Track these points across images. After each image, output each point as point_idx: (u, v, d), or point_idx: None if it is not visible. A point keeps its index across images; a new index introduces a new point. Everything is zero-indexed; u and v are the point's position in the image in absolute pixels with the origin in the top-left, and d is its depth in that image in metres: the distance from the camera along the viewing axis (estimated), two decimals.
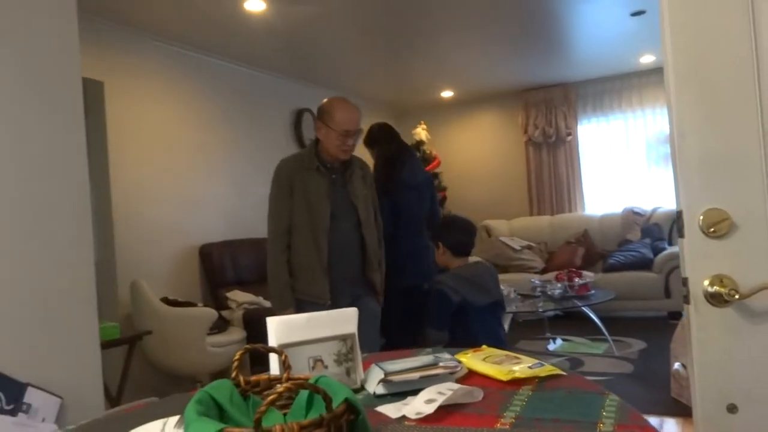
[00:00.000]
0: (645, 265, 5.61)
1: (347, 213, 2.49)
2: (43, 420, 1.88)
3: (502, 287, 4.56)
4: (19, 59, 1.99)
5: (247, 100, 5.27)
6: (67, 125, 2.13)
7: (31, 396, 1.87)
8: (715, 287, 1.13)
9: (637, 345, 4.66)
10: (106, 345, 2.80)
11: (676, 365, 3.21)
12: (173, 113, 4.55)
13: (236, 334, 4.07)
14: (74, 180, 2.14)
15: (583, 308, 4.45)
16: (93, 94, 3.56)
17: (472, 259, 2.90)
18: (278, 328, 1.10)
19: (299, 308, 2.42)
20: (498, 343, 2.49)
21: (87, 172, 2.18)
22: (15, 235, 1.94)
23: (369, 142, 3.35)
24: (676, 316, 5.39)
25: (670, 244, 5.82)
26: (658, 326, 5.28)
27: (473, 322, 2.56)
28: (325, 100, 2.55)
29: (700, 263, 1.15)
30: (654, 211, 6.20)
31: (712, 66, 1.22)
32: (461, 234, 2.72)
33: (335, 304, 2.35)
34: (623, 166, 6.72)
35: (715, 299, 1.14)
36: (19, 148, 1.98)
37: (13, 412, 1.80)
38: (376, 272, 2.55)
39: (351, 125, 2.47)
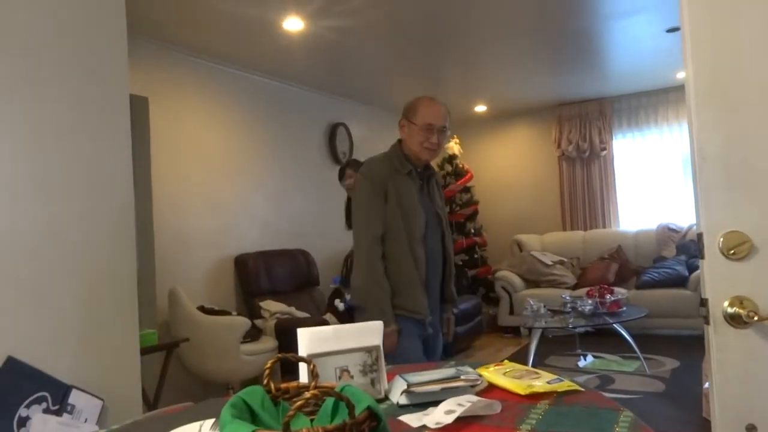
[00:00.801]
0: (680, 282, 5.51)
1: (433, 223, 2.33)
2: (86, 421, 1.98)
3: (532, 302, 4.55)
4: (70, 79, 2.12)
5: (284, 114, 5.40)
6: (114, 144, 2.25)
7: (75, 397, 1.97)
8: (734, 308, 1.15)
9: (670, 364, 4.58)
10: (146, 351, 2.91)
11: (707, 385, 3.15)
12: (212, 127, 4.70)
13: (268, 343, 4.16)
14: (120, 197, 2.25)
15: (614, 325, 4.40)
16: (138, 110, 3.71)
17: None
18: (308, 339, 1.17)
19: (399, 323, 2.21)
20: None
21: (132, 190, 2.30)
22: (64, 247, 2.05)
23: None
24: None
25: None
26: (691, 345, 5.17)
27: None
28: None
29: (719, 285, 1.16)
30: (690, 227, 6.09)
31: (735, 87, 1.22)
32: None
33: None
34: (659, 182, 6.63)
35: (734, 320, 1.15)
36: (68, 165, 2.10)
37: (58, 412, 1.90)
38: (453, 286, 2.43)
39: (435, 119, 2.27)
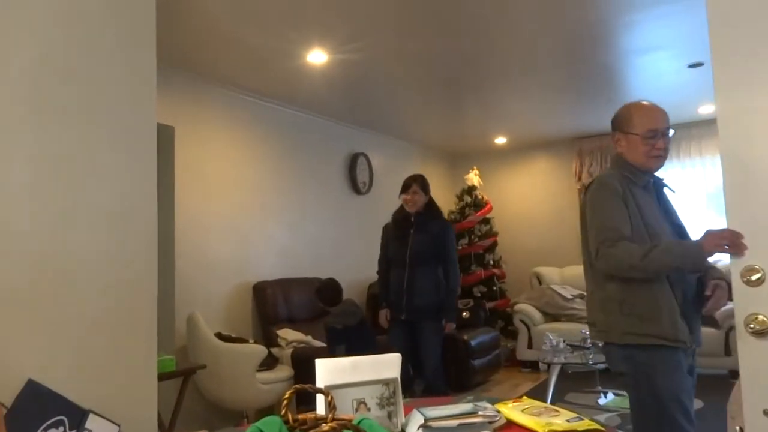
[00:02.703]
0: (704, 320, 5.38)
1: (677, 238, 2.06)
2: None
3: (551, 337, 4.48)
4: (99, 107, 2.18)
5: (304, 144, 5.47)
6: (140, 173, 2.30)
7: (92, 422, 1.98)
8: (753, 323, 1.49)
9: (694, 404, 4.45)
10: (163, 377, 2.92)
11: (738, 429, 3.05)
12: (235, 156, 4.78)
13: (284, 371, 4.14)
14: (144, 224, 2.29)
15: None
16: (164, 138, 3.80)
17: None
18: (326, 370, 1.17)
19: (654, 355, 1.88)
20: None
21: (156, 218, 2.33)
22: (86, 273, 2.08)
23: (427, 189, 3.88)
24: (737, 375, 5.12)
25: (731, 299, 5.59)
26: (717, 385, 5.03)
27: None
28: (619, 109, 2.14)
29: (742, 304, 1.50)
30: (715, 263, 5.98)
31: (761, 151, 1.45)
32: None
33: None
34: (682, 216, 6.53)
35: (754, 332, 1.49)
36: (94, 192, 2.14)
37: None
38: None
39: (657, 123, 2.01)
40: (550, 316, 6.26)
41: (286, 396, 0.93)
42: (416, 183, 3.81)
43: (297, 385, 0.96)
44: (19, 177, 1.91)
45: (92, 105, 2.15)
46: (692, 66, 4.60)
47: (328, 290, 4.01)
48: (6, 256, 1.86)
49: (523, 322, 6.22)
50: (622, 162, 2.07)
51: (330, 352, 3.88)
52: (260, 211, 4.96)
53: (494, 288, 6.74)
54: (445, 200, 7.56)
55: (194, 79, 4.40)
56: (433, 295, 3.70)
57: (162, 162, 2.68)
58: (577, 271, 6.70)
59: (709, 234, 1.75)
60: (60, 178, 2.02)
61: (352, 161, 6.01)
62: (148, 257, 2.29)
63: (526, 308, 6.25)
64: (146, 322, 2.27)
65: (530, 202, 7.41)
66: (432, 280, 3.71)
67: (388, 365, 1.21)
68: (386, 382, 1.19)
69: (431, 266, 3.72)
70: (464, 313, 6.10)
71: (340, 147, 5.92)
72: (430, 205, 3.85)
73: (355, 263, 5.72)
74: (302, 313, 4.81)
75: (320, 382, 1.16)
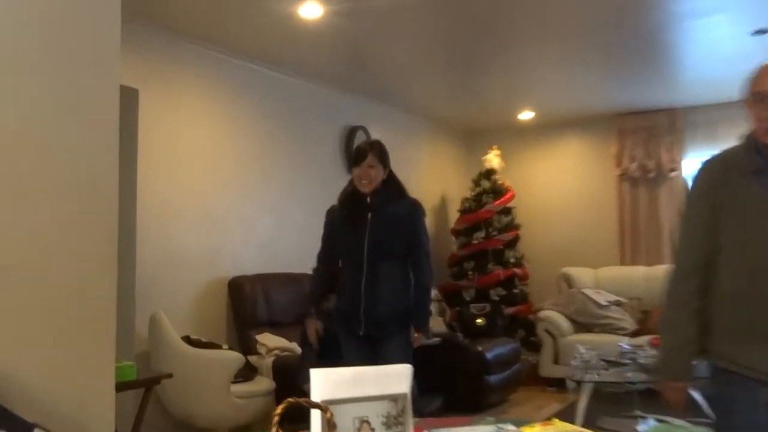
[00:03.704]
0: None
1: None
2: None
3: (582, 350, 4.50)
4: (53, 65, 2.16)
5: (293, 114, 5.46)
6: (100, 143, 2.28)
7: None
8: None
9: None
10: (121, 387, 2.91)
11: None
12: (209, 127, 4.76)
13: (264, 384, 4.15)
14: (102, 204, 2.27)
15: None
16: (126, 103, 3.77)
17: None
18: (322, 382, 1.16)
19: (725, 383, 1.91)
20: None
21: (117, 197, 2.33)
22: (32, 261, 2.07)
23: (387, 160, 3.41)
24: None
25: None
26: None
27: None
28: None
29: None
30: None
31: None
32: None
33: None
34: None
35: None
36: (47, 163, 2.13)
37: None
38: None
39: (762, 83, 1.88)
40: (581, 326, 6.28)
41: (278, 412, 0.93)
42: (372, 152, 3.30)
43: (291, 399, 0.96)
44: None
45: (43, 61, 2.13)
46: (757, 33, 4.59)
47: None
48: None
49: (548, 332, 6.23)
50: (748, 136, 1.94)
51: (301, 358, 3.88)
52: (239, 193, 4.95)
53: (515, 291, 6.75)
54: (458, 185, 7.55)
55: (164, 33, 4.37)
56: (402, 299, 3.32)
57: (123, 131, 2.66)
58: (614, 273, 6.71)
59: (667, 387, 2.04)
60: (4, 142, 2.01)
61: (349, 136, 5.99)
62: (106, 244, 2.28)
63: (552, 316, 6.27)
64: (104, 322, 2.27)
65: (560, 190, 7.40)
66: (400, 280, 3.32)
67: (396, 378, 1.21)
68: (394, 398, 1.19)
69: (398, 261, 3.33)
70: (478, 320, 6.12)
71: (335, 119, 5.91)
72: (391, 181, 3.38)
73: None
74: (286, 315, 4.83)
75: (316, 395, 1.16)
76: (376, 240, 3.29)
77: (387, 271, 3.29)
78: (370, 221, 3.32)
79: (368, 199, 3.33)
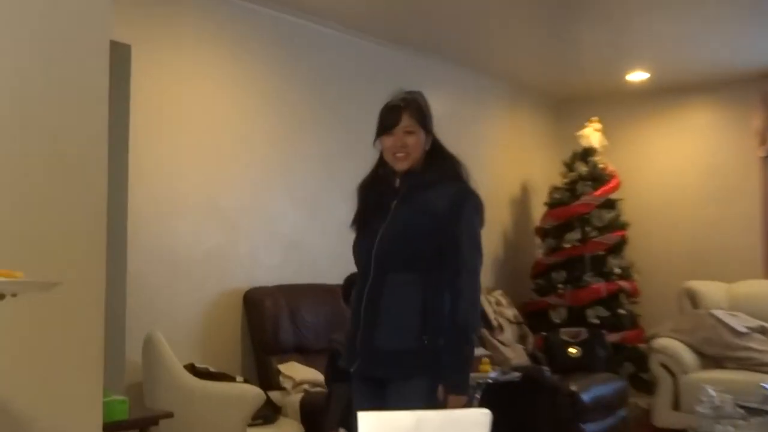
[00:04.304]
0: None
1: None
2: None
3: (712, 392, 4.45)
4: (30, 18, 2.24)
5: (327, 76, 5.48)
6: (86, 114, 2.36)
7: None
8: None
9: None
10: (111, 428, 2.99)
11: None
12: (217, 93, 4.82)
13: (288, 427, 4.19)
14: (89, 192, 2.35)
15: None
16: (116, 63, 3.85)
17: None
18: (374, 429, 1.19)
19: None
20: None
21: (105, 182, 2.39)
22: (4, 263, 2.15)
23: (429, 124, 3.06)
24: None
25: None
26: None
27: None
28: None
29: None
30: None
31: None
32: None
33: None
34: None
35: None
36: (27, 137, 2.20)
37: None
38: None
39: None
40: (711, 360, 6.19)
41: None
42: (408, 110, 2.98)
43: None
44: None
45: (23, 11, 2.20)
46: None
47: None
48: None
49: (665, 367, 6.15)
50: None
51: (327, 397, 3.88)
52: (257, 181, 5.01)
53: (620, 312, 6.68)
54: (545, 170, 7.50)
55: None
56: (413, 334, 2.90)
57: (112, 99, 2.72)
58: (756, 289, 6.58)
59: None
60: None
61: None
62: (93, 240, 2.36)
63: (670, 345, 6.18)
64: (90, 346, 2.34)
65: (683, 178, 7.31)
66: (415, 306, 2.92)
67: (469, 426, 1.23)
68: None
69: (418, 276, 2.94)
70: (572, 350, 6.07)
71: (383, 82, 5.90)
72: (437, 155, 3.05)
73: None
74: (319, 339, 4.86)
75: None
76: (388, 240, 2.96)
77: (397, 288, 2.94)
78: (391, 214, 3.00)
79: (397, 182, 3.02)
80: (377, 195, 3.08)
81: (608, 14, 5.34)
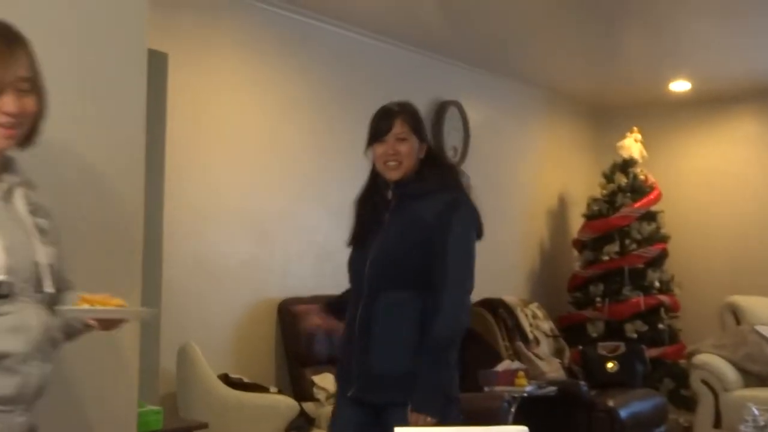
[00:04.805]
0: None
1: None
2: None
3: (756, 411, 4.37)
4: (70, 25, 2.26)
5: (363, 85, 5.48)
6: (124, 124, 2.37)
7: None
8: None
9: None
10: None
11: None
12: (254, 102, 4.84)
13: None
14: (127, 202, 2.36)
15: None
16: (152, 72, 3.88)
17: None
18: None
19: None
20: None
21: (142, 193, 2.40)
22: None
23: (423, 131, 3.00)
24: None
25: None
26: None
27: None
28: None
29: None
30: None
31: None
32: None
33: None
34: None
35: None
36: (59, 152, 2.22)
37: None
38: None
39: None
40: (754, 377, 6.12)
41: None
42: (400, 117, 2.90)
43: None
44: None
45: (59, 24, 2.22)
46: None
47: None
48: None
49: (706, 383, 6.08)
50: None
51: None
52: (293, 189, 5.02)
53: (660, 326, 6.63)
54: (583, 181, 7.46)
55: None
56: (411, 351, 2.79)
57: (149, 110, 2.73)
58: None
59: None
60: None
61: (438, 114, 6.00)
62: (130, 253, 2.36)
63: (712, 362, 6.11)
64: (125, 356, 2.35)
65: (727, 190, 7.25)
66: (413, 324, 2.80)
67: None
68: None
69: (416, 294, 2.82)
70: (609, 364, 6.02)
71: (420, 91, 5.91)
72: (430, 164, 2.95)
73: None
74: None
75: None
76: (381, 257, 2.85)
77: (393, 307, 2.81)
78: (385, 227, 2.90)
79: (389, 192, 2.92)
80: (372, 208, 2.99)
81: (650, 22, 5.31)
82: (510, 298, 6.23)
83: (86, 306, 1.76)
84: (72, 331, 1.88)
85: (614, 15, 5.16)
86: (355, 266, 2.98)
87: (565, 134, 7.46)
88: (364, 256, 2.90)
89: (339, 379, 3.04)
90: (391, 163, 2.83)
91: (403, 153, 2.82)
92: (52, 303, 1.78)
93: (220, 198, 4.61)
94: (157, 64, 3.99)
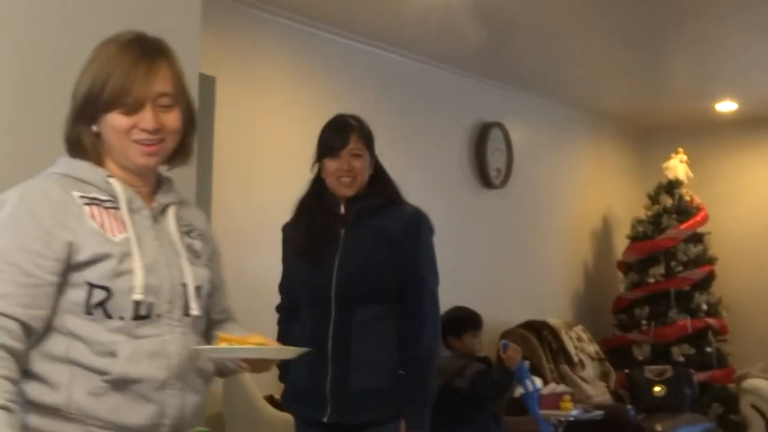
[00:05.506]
0: None
1: None
2: None
3: None
4: None
5: (407, 108, 5.53)
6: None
7: None
8: None
9: None
10: None
11: None
12: (297, 122, 4.88)
13: None
14: None
15: None
16: (202, 94, 3.98)
17: None
18: None
19: None
20: None
21: None
22: None
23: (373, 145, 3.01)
24: None
25: None
26: None
27: None
28: None
29: None
30: None
31: None
32: None
33: None
34: None
35: None
36: None
37: None
38: None
39: None
40: None
41: None
42: (355, 133, 2.88)
43: None
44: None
45: None
46: None
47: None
48: None
49: (757, 408, 6.04)
50: None
51: None
52: None
53: (708, 350, 6.58)
54: (628, 203, 7.43)
55: (247, 5, 4.57)
56: (394, 369, 2.80)
57: (198, 130, 2.79)
58: None
59: None
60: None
61: (481, 136, 6.04)
62: None
63: (762, 386, 6.07)
64: None
65: None
66: (390, 338, 2.81)
67: None
68: None
69: (387, 307, 2.83)
70: (656, 388, 5.98)
71: (462, 113, 5.96)
72: (380, 179, 2.96)
73: (486, 293, 5.72)
74: None
75: None
76: (351, 272, 2.79)
77: (368, 323, 2.78)
78: (343, 242, 2.85)
79: (342, 208, 2.88)
80: (322, 221, 2.91)
81: (695, 43, 5.31)
82: (554, 321, 6.22)
83: (226, 345, 1.63)
84: (225, 369, 1.82)
85: (659, 36, 5.17)
86: (313, 283, 2.87)
87: (609, 155, 7.45)
88: (324, 273, 2.80)
89: (302, 405, 2.93)
90: (345, 179, 2.80)
91: (357, 169, 2.81)
92: (205, 329, 1.71)
93: (267, 216, 4.67)
94: (205, 87, 4.11)
